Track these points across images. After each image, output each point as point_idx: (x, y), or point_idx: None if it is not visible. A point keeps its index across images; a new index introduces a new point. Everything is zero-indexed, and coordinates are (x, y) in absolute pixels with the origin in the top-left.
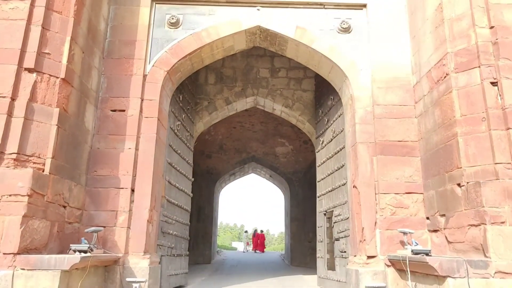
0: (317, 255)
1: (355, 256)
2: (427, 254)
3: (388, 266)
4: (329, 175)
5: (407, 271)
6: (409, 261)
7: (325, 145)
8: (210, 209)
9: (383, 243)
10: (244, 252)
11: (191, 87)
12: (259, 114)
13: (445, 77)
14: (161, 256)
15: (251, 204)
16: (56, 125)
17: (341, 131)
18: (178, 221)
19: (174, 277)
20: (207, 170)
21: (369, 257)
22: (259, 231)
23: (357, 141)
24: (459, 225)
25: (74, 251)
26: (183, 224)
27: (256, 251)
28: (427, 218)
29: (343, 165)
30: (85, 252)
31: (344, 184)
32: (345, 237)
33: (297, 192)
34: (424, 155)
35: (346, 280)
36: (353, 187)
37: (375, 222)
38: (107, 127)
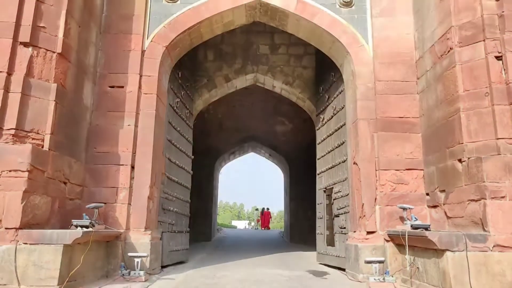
0: (317, 231)
1: (354, 232)
2: (426, 229)
3: (387, 241)
4: (329, 152)
5: (405, 245)
6: (408, 235)
7: (326, 123)
8: (210, 187)
9: (383, 218)
10: (255, 229)
11: (190, 64)
12: (258, 92)
13: (448, 51)
14: (162, 232)
15: (250, 183)
16: (54, 100)
17: (342, 108)
18: (178, 198)
19: (175, 253)
20: (207, 149)
21: (368, 232)
22: (266, 209)
23: (358, 118)
24: (459, 200)
25: (76, 226)
26: (184, 201)
27: (264, 228)
28: (427, 194)
29: (343, 142)
30: (86, 227)
31: (345, 161)
32: (344, 213)
33: (297, 170)
34: (425, 132)
35: (345, 255)
36: (354, 163)
37: (375, 198)
38: (105, 103)
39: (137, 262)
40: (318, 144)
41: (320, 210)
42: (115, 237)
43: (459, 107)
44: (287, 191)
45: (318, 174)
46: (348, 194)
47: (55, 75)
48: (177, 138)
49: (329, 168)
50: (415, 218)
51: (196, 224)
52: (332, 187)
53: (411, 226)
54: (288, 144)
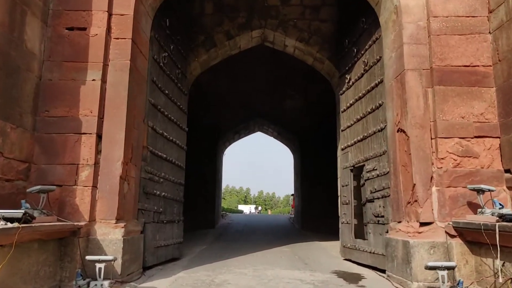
0: (341, 220)
1: (399, 222)
2: None
3: (452, 236)
4: (358, 120)
5: (496, 244)
6: (500, 231)
7: (353, 84)
8: (212, 169)
9: (443, 205)
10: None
11: (183, 16)
12: (265, 60)
13: None
14: (145, 223)
15: (257, 166)
16: None
17: (378, 60)
18: (167, 179)
19: (164, 249)
20: (209, 127)
21: (422, 224)
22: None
23: (406, 68)
24: None
25: (2, 218)
26: (175, 183)
27: None
28: (507, 170)
29: (380, 105)
30: (19, 220)
31: (382, 129)
32: (382, 197)
33: (309, 150)
34: (502, 85)
35: (385, 253)
36: (398, 131)
37: (431, 177)
38: (61, 51)
39: (100, 268)
40: (342, 112)
41: (346, 193)
42: (71, 233)
43: None
44: (297, 173)
45: (342, 150)
46: (387, 173)
47: None
48: (166, 104)
49: (359, 141)
50: (501, 204)
51: (198, 211)
52: (363, 165)
53: (500, 216)
54: (299, 121)
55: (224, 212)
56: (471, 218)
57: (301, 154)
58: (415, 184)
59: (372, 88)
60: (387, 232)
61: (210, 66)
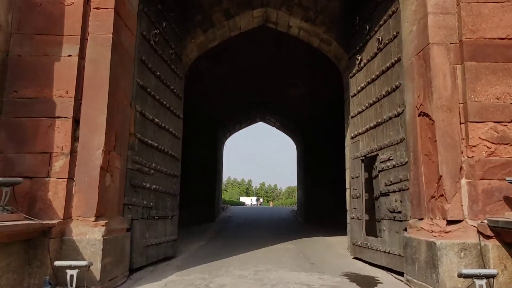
0: (350, 215)
1: (421, 219)
2: None
3: (486, 237)
4: (371, 105)
5: None
6: None
7: (365, 65)
8: (212, 160)
9: (475, 200)
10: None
11: None
12: (267, 46)
13: None
14: (132, 220)
15: (258, 158)
16: None
17: (394, 36)
18: (159, 170)
19: (155, 247)
20: (209, 116)
21: (449, 222)
22: None
23: (430, 42)
24: None
25: None
26: (169, 175)
27: None
28: None
29: (397, 87)
30: None
31: (400, 114)
32: (399, 191)
33: (313, 141)
34: None
35: (403, 254)
36: (420, 115)
37: (460, 168)
38: (32, 22)
39: (71, 275)
40: (351, 97)
41: (356, 186)
42: (41, 233)
43: None
44: (301, 165)
45: (351, 138)
46: (406, 163)
47: None
48: (157, 87)
49: (372, 128)
50: None
51: (197, 204)
52: (376, 154)
53: None
54: (302, 110)
55: (225, 204)
56: (508, 214)
57: (304, 144)
58: (441, 176)
59: (388, 68)
60: (405, 230)
61: (209, 49)
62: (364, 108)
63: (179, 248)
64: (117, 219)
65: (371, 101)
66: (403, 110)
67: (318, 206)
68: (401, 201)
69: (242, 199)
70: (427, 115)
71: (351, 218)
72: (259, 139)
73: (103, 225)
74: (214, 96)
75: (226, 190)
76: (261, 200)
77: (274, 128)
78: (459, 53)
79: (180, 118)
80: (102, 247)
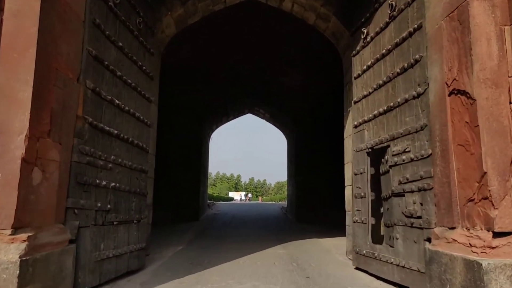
0: (352, 217)
1: (452, 228)
2: None
3: None
4: (380, 86)
5: None
6: None
7: (372, 39)
8: (197, 154)
9: None
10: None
11: None
12: (257, 29)
13: None
14: (79, 228)
15: (248, 153)
16: None
17: (411, 0)
18: (121, 164)
19: (113, 261)
20: (192, 107)
21: (497, 234)
22: None
23: None
24: None
25: None
26: (134, 170)
27: None
28: None
29: (416, 61)
30: None
31: (420, 94)
32: (419, 190)
33: (306, 134)
34: None
35: (425, 270)
36: (452, 93)
37: (511, 162)
38: None
39: None
40: (355, 78)
41: (360, 184)
42: None
43: None
44: (292, 160)
45: (354, 127)
46: (429, 156)
47: None
48: (119, 61)
49: (381, 114)
50: None
51: (179, 202)
52: (387, 145)
53: None
54: (295, 101)
55: (211, 201)
56: None
57: (296, 138)
58: (485, 173)
59: (404, 39)
60: (427, 240)
61: (191, 29)
62: (371, 90)
63: (152, 255)
64: (53, 229)
65: (380, 82)
66: (425, 89)
67: (311, 203)
68: (421, 204)
69: (231, 194)
70: (464, 93)
71: (354, 222)
72: (249, 132)
73: (24, 240)
74: (199, 85)
75: (215, 185)
76: (249, 195)
77: (264, 121)
78: (507, 10)
79: (150, 101)
80: (18, 272)
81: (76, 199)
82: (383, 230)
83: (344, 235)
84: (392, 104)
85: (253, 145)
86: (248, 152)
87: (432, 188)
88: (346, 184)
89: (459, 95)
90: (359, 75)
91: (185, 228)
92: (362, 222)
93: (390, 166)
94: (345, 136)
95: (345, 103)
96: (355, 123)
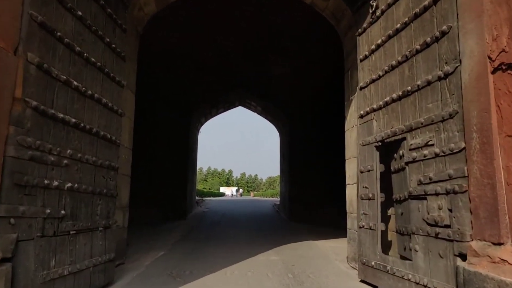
0: (359, 222)
1: (498, 244)
2: None
3: None
4: (393, 68)
5: None
6: None
7: (383, 12)
8: (183, 148)
9: None
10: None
11: None
12: (248, 16)
13: None
14: (18, 242)
15: (239, 147)
16: None
17: None
18: (82, 160)
19: (70, 280)
20: (179, 99)
21: None
22: None
23: None
24: None
25: None
26: (100, 168)
27: None
28: None
29: (443, 33)
30: None
31: (449, 74)
32: (448, 193)
33: (300, 128)
34: None
35: None
36: (497, 69)
37: None
38: None
39: None
40: (360, 61)
41: (368, 183)
42: None
43: None
44: (285, 155)
45: (360, 117)
46: (461, 150)
47: None
48: (78, 34)
49: (394, 101)
50: None
51: (165, 200)
52: (403, 138)
53: None
54: (288, 92)
55: (200, 198)
56: None
57: (289, 131)
58: None
59: (425, 8)
60: (459, 256)
61: (172, 4)
62: (381, 74)
63: (127, 264)
64: None
65: (393, 63)
66: (456, 68)
67: (305, 201)
68: (450, 210)
69: (222, 189)
70: None
71: (360, 227)
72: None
73: None
74: (186, 76)
75: (206, 180)
76: (241, 190)
77: (256, 114)
78: None
79: (122, 86)
80: None
81: (13, 205)
82: (390, 236)
83: (341, 236)
84: (409, 88)
85: (245, 140)
86: (240, 147)
87: (466, 191)
88: (347, 182)
89: (509, 71)
90: (365, 57)
91: (171, 228)
92: (370, 228)
93: (407, 163)
94: (346, 128)
95: (346, 91)
96: (361, 112)
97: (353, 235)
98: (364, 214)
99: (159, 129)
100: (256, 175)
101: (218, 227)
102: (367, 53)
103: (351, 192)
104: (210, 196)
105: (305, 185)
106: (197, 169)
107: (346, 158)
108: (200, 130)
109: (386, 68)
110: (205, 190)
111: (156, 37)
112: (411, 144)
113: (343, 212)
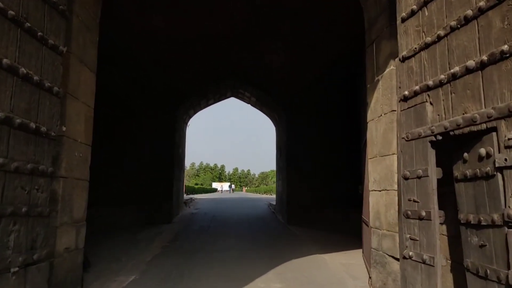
0: (404, 250)
1: None
2: None
3: None
4: (466, 21)
5: None
6: None
7: None
8: (169, 144)
9: None
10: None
11: None
12: None
13: None
14: None
15: (232, 142)
16: None
17: None
18: None
19: None
20: (165, 90)
21: None
22: None
23: None
24: None
25: None
26: (19, 174)
27: None
28: None
29: None
30: None
31: None
32: None
33: (299, 120)
34: None
35: None
36: None
37: None
38: None
39: None
40: (402, 22)
41: (418, 195)
42: None
43: None
44: (282, 150)
45: (403, 100)
46: None
47: None
48: None
49: (468, 72)
50: None
51: (150, 200)
52: (490, 128)
53: None
54: (285, 83)
55: (189, 198)
56: None
57: (287, 127)
58: None
59: None
60: None
61: None
62: (442, 33)
63: None
64: None
65: (469, 12)
66: None
67: (305, 203)
68: None
69: (215, 185)
70: None
71: (405, 258)
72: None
73: None
74: (173, 63)
75: (198, 176)
76: (233, 186)
77: (249, 106)
78: None
79: (60, 53)
80: None
81: None
82: (445, 271)
83: (350, 246)
84: (505, 48)
85: (238, 134)
86: (232, 141)
87: None
88: (371, 187)
89: None
90: (412, 14)
91: (152, 236)
92: (424, 263)
93: (500, 168)
94: (369, 118)
95: (368, 71)
96: (405, 93)
97: (381, 258)
98: (412, 239)
99: (141, 122)
100: (249, 170)
101: (207, 234)
102: (415, 7)
103: (377, 201)
104: (202, 193)
105: (303, 185)
106: (189, 164)
107: (368, 158)
108: (188, 124)
109: (454, 22)
110: (196, 186)
111: (137, 18)
112: (509, 139)
113: (343, 214)
